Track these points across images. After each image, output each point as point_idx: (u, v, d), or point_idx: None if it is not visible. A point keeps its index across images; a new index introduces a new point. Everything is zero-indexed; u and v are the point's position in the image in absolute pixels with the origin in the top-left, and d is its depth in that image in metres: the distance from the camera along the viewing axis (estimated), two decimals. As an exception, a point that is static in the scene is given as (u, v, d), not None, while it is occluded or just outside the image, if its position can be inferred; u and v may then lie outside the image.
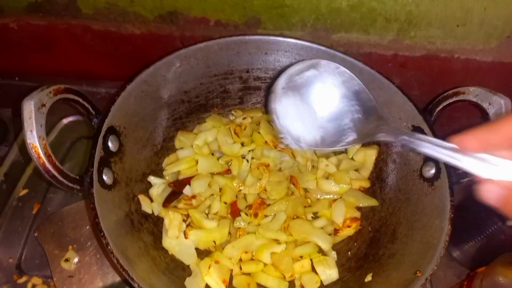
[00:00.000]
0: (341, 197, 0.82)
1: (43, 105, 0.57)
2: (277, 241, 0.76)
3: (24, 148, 0.57)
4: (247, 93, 0.91)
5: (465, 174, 0.65)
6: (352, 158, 0.86)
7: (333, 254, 0.77)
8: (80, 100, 0.66)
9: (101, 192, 0.64)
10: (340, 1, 0.80)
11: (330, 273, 0.73)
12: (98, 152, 0.66)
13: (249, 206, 0.80)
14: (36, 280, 0.79)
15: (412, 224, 0.72)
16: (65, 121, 1.01)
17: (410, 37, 0.85)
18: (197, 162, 0.83)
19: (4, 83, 1.05)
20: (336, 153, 0.88)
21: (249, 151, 0.85)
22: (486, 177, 0.39)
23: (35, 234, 0.81)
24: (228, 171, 0.84)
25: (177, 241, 0.74)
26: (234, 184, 0.81)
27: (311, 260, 0.75)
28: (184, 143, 0.86)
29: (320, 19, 0.84)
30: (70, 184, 0.61)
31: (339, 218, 0.78)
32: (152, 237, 0.75)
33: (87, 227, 0.82)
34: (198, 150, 0.84)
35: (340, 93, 0.51)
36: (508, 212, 0.38)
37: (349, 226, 0.79)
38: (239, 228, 0.78)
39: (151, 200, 0.79)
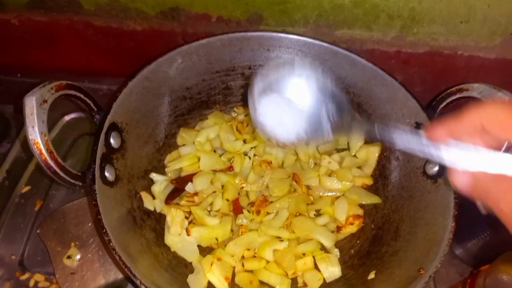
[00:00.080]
0: (343, 195, 0.82)
1: (45, 101, 0.56)
2: (280, 239, 0.75)
3: (26, 145, 0.56)
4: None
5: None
6: (354, 155, 0.86)
7: (336, 251, 0.77)
8: (82, 96, 0.66)
9: (103, 189, 0.64)
10: (343, -3, 0.80)
11: (332, 270, 0.73)
12: (100, 149, 0.66)
13: (251, 203, 0.80)
14: (39, 277, 0.79)
15: (415, 221, 0.72)
16: (67, 118, 1.01)
17: (413, 34, 0.85)
18: (199, 159, 0.82)
19: (5, 79, 1.05)
20: (338, 150, 0.88)
21: (251, 148, 0.85)
22: (455, 167, 0.40)
23: (38, 231, 0.81)
24: (230, 168, 0.84)
25: (179, 238, 0.74)
26: (236, 181, 0.81)
27: (313, 257, 0.75)
28: (186, 140, 0.85)
29: (322, 16, 0.83)
30: (72, 181, 0.60)
31: (341, 215, 0.78)
32: (154, 234, 0.75)
33: (89, 224, 0.81)
34: (200, 147, 0.84)
35: (315, 92, 0.52)
36: (476, 199, 0.40)
37: (351, 224, 0.79)
38: (241, 225, 0.78)
39: (153, 197, 0.79)
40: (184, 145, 0.86)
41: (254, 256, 0.75)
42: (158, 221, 0.77)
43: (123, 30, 0.94)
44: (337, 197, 0.81)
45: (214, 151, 0.86)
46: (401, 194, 0.78)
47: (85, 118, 1.00)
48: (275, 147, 0.85)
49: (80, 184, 0.62)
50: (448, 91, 0.71)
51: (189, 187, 0.80)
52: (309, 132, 0.52)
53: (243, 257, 0.75)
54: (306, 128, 0.52)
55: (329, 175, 0.83)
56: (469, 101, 0.68)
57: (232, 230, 0.77)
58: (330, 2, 0.81)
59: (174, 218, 0.74)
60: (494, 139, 0.40)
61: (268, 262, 0.74)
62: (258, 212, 0.78)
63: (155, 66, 0.76)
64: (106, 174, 0.66)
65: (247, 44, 0.82)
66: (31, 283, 0.78)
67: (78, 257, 0.78)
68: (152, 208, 0.78)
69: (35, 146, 0.55)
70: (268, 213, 0.79)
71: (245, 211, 0.78)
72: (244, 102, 0.92)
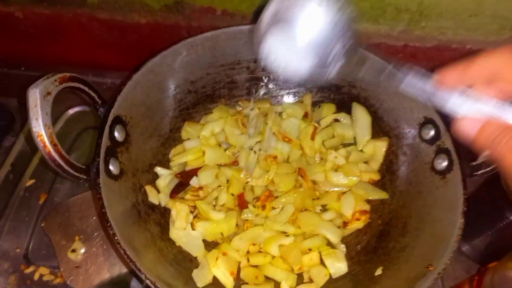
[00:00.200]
0: (350, 190, 0.81)
1: (49, 93, 0.56)
2: (285, 234, 0.75)
3: (30, 138, 0.56)
4: (254, 83, 0.90)
5: (479, 167, 0.65)
6: (361, 150, 0.85)
7: (342, 247, 0.76)
8: (86, 89, 0.65)
9: (107, 182, 0.64)
10: (350, -10, 0.78)
11: (339, 266, 0.72)
12: (105, 142, 0.65)
13: (257, 198, 0.79)
14: (44, 270, 0.79)
15: (423, 217, 0.71)
16: (71, 111, 1.00)
17: (421, 28, 0.84)
18: (204, 153, 0.82)
19: (9, 72, 1.05)
20: (345, 145, 0.87)
21: (257, 142, 0.84)
22: (463, 113, 0.39)
23: (42, 225, 0.81)
24: (236, 163, 0.83)
25: (184, 232, 0.74)
26: (242, 176, 0.80)
27: (319, 253, 0.74)
28: (191, 134, 0.85)
29: (329, 8, 0.82)
30: (76, 174, 0.60)
31: (348, 211, 0.77)
32: (159, 228, 0.75)
33: (94, 217, 0.81)
34: (205, 141, 0.83)
35: (327, 24, 0.50)
36: (481, 146, 0.39)
37: (358, 219, 0.78)
38: (247, 220, 0.77)
39: (158, 191, 0.78)
40: (188, 139, 0.85)
41: (260, 251, 0.75)
42: (163, 215, 0.77)
43: (127, 23, 0.93)
44: (344, 192, 0.81)
45: (219, 145, 0.85)
46: (408, 190, 0.77)
47: (89, 112, 1.00)
48: (280, 141, 0.84)
49: (85, 177, 0.61)
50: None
51: (194, 182, 0.79)
52: (317, 66, 0.50)
53: (248, 252, 0.74)
54: (314, 62, 0.50)
55: (336, 170, 0.82)
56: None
57: (237, 225, 0.77)
58: (337, -5, 0.79)
59: (179, 212, 0.73)
60: (507, 86, 0.38)
61: (273, 257, 0.74)
62: (263, 207, 0.77)
63: (159, 58, 0.75)
64: (111, 167, 0.66)
65: (252, 37, 0.81)
66: (36, 276, 0.78)
67: (82, 251, 0.78)
68: (156, 202, 0.77)
69: (39, 139, 0.55)
70: (273, 208, 0.78)
71: (250, 206, 0.78)
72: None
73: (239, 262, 0.73)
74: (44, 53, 1.05)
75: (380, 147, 0.83)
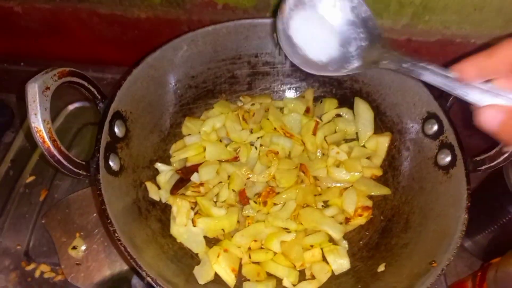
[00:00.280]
0: (352, 186, 0.80)
1: (48, 88, 0.55)
2: (287, 230, 0.74)
3: (30, 134, 0.55)
4: (255, 78, 0.89)
5: (483, 162, 0.65)
6: (363, 146, 0.84)
7: (344, 243, 0.76)
8: (86, 84, 0.64)
9: (107, 178, 0.63)
10: (353, -17, 0.77)
11: (341, 262, 0.72)
12: (104, 138, 0.65)
13: (258, 194, 0.78)
14: (44, 267, 0.79)
15: (426, 213, 0.70)
16: (71, 107, 1.00)
17: (424, 22, 0.82)
18: (204, 149, 0.81)
19: (9, 68, 1.04)
20: (347, 140, 0.86)
21: (258, 138, 0.83)
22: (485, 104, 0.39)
23: (43, 221, 0.81)
24: (237, 158, 0.83)
25: (185, 228, 0.73)
26: (243, 172, 0.79)
27: (321, 249, 0.73)
28: (192, 130, 0.84)
29: (332, 2, 0.81)
30: (76, 170, 0.59)
31: (350, 206, 0.77)
32: (160, 225, 0.74)
33: (94, 214, 0.81)
34: (206, 137, 0.83)
35: (347, 19, 0.50)
36: (506, 137, 0.38)
37: (360, 215, 0.77)
38: (248, 216, 0.76)
39: (159, 187, 0.78)
40: (189, 134, 0.84)
41: (261, 248, 0.74)
42: (163, 212, 0.76)
43: (127, 18, 0.92)
44: (346, 188, 0.80)
45: (220, 141, 0.84)
46: (411, 185, 0.76)
47: (89, 107, 0.99)
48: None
49: (84, 173, 0.61)
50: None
51: (194, 178, 0.79)
52: (338, 55, 0.50)
53: (250, 248, 0.74)
54: (336, 50, 0.50)
55: (338, 166, 0.82)
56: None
57: (238, 221, 0.76)
58: (340, -12, 0.78)
59: (180, 208, 0.73)
60: None
61: (275, 253, 0.73)
62: (265, 203, 0.76)
63: (160, 53, 0.75)
64: (111, 163, 0.65)
65: (253, 31, 0.80)
66: (37, 273, 0.78)
67: (83, 247, 0.78)
68: (157, 199, 0.77)
69: (38, 134, 0.54)
70: (275, 204, 0.77)
71: (251, 202, 0.77)
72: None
73: (241, 259, 0.73)
74: (44, 49, 1.05)
75: (383, 142, 0.82)
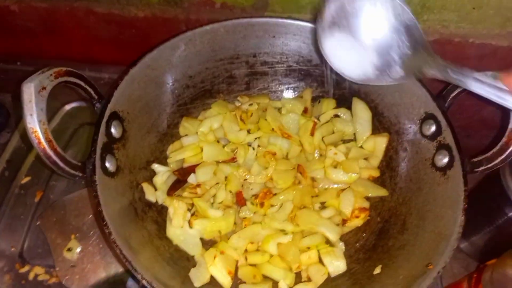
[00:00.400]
0: (349, 187, 0.80)
1: (44, 88, 0.55)
2: (284, 232, 0.74)
3: (26, 135, 0.55)
4: (253, 78, 0.89)
5: (480, 163, 0.65)
6: (361, 147, 0.84)
7: (341, 245, 0.75)
8: (82, 83, 0.64)
9: (104, 180, 0.63)
10: (351, -17, 0.77)
11: (337, 264, 0.72)
12: (101, 138, 0.64)
13: (255, 196, 0.78)
14: (39, 269, 0.78)
15: (423, 214, 0.70)
16: (68, 107, 0.99)
17: (422, 21, 0.82)
18: (202, 149, 0.81)
19: (5, 67, 1.04)
20: (344, 141, 0.86)
21: (256, 138, 0.83)
22: None
23: (38, 223, 0.80)
24: (234, 159, 0.82)
25: (181, 230, 0.73)
26: (240, 173, 0.79)
27: (318, 251, 0.73)
28: (189, 130, 0.84)
29: (330, 2, 0.81)
30: (71, 171, 0.59)
31: (347, 208, 0.76)
32: (156, 226, 0.74)
33: (90, 215, 0.81)
34: (203, 137, 0.82)
35: (391, 26, 0.49)
36: None
37: (357, 217, 0.77)
38: (245, 218, 0.76)
39: (155, 189, 0.77)
40: (186, 135, 0.84)
41: (258, 250, 0.74)
42: (160, 213, 0.76)
43: (124, 17, 0.92)
44: (343, 190, 0.80)
45: (218, 142, 0.84)
46: (408, 187, 0.76)
47: (86, 108, 0.99)
48: (280, 137, 0.83)
49: (80, 174, 0.60)
50: (459, 80, 0.68)
51: (191, 179, 0.78)
52: (378, 67, 0.49)
53: (246, 250, 0.74)
54: (375, 63, 0.49)
55: (335, 167, 0.82)
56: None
57: (235, 223, 0.76)
58: (338, -12, 0.78)
59: (177, 210, 0.73)
60: None
61: (271, 255, 0.73)
62: (262, 205, 0.76)
63: (157, 53, 0.74)
64: (107, 164, 0.65)
65: (252, 30, 0.80)
66: (31, 275, 0.77)
67: (78, 249, 0.77)
68: (154, 200, 0.76)
69: (34, 135, 0.54)
70: (272, 206, 0.77)
71: (248, 203, 0.77)
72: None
73: (237, 261, 0.73)
74: (40, 48, 1.04)
75: (380, 143, 0.82)
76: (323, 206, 0.80)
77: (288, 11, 0.84)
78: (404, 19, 0.48)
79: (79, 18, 0.94)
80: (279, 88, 0.90)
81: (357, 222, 0.77)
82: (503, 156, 0.61)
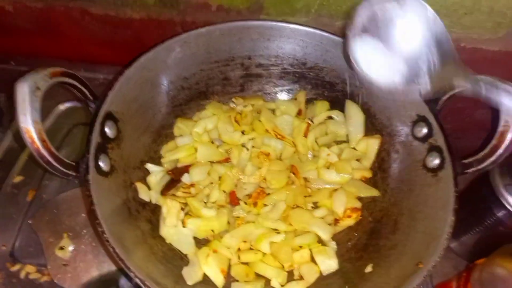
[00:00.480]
0: (342, 187, 0.80)
1: (38, 88, 0.54)
2: (277, 231, 0.75)
3: (19, 134, 0.55)
4: (248, 80, 0.89)
5: (471, 164, 0.66)
6: (354, 148, 0.85)
7: (333, 244, 0.76)
8: (77, 84, 0.64)
9: (97, 179, 0.63)
10: (345, -13, 0.78)
11: (329, 263, 0.72)
12: (95, 138, 0.64)
13: (249, 195, 0.78)
14: (30, 268, 0.77)
15: (415, 215, 0.71)
16: (62, 107, 0.99)
17: (415, 26, 0.83)
18: (196, 150, 0.81)
19: (-1, 67, 1.04)
20: (337, 142, 0.87)
21: (250, 139, 0.84)
22: None
23: (30, 222, 0.80)
24: (228, 160, 0.83)
25: (175, 229, 0.73)
26: (234, 173, 0.79)
27: (310, 250, 0.74)
28: (184, 131, 0.84)
29: (325, 5, 0.82)
30: (65, 171, 0.59)
31: (339, 208, 0.77)
32: (150, 225, 0.74)
33: (83, 214, 0.80)
34: (198, 138, 0.83)
35: (422, 37, 0.49)
36: None
37: (349, 216, 0.78)
38: (238, 217, 0.77)
39: (149, 188, 0.78)
40: (181, 135, 0.84)
41: (251, 249, 0.74)
42: (153, 212, 0.76)
43: (120, 18, 0.92)
44: (335, 190, 0.80)
45: (212, 142, 0.84)
46: (400, 187, 0.77)
47: (80, 108, 0.98)
48: (275, 138, 0.84)
49: (74, 174, 0.60)
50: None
51: (185, 178, 0.79)
52: (406, 76, 0.49)
53: (239, 249, 0.74)
54: (403, 72, 0.49)
55: (328, 168, 0.82)
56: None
57: (228, 222, 0.76)
58: (332, -8, 0.79)
59: (170, 209, 0.73)
60: None
61: (264, 254, 0.73)
62: (255, 204, 0.77)
63: (152, 54, 0.74)
64: (101, 164, 0.65)
65: (247, 33, 0.81)
66: (22, 274, 0.77)
67: (71, 248, 0.77)
68: (147, 199, 0.76)
69: (27, 135, 0.53)
70: (265, 205, 0.77)
71: (242, 203, 0.77)
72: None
73: (230, 260, 0.73)
74: (35, 48, 1.04)
75: (373, 144, 0.83)
76: (315, 206, 0.80)
77: (282, 14, 0.85)
78: (436, 31, 0.48)
79: (74, 19, 0.94)
80: (274, 90, 0.91)
81: (349, 222, 0.78)
82: (493, 158, 0.62)
